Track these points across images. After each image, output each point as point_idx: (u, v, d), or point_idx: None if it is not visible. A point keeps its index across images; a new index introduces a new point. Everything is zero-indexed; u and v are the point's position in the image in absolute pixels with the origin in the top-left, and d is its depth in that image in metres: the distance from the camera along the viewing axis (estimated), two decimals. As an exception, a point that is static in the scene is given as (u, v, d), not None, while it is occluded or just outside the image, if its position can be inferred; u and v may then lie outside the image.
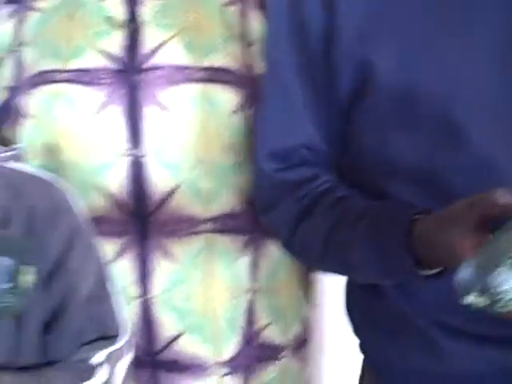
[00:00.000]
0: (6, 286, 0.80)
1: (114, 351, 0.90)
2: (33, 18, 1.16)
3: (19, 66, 1.15)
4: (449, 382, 0.95)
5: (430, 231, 0.81)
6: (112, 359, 0.90)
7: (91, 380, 0.87)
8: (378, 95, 0.93)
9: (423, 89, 0.90)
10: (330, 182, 0.99)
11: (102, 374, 0.89)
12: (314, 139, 0.99)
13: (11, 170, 0.92)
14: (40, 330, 0.88)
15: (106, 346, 0.89)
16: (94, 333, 0.89)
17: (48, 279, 0.88)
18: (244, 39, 1.16)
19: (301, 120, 0.99)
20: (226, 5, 1.16)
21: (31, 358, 0.87)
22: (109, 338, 0.90)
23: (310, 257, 1.02)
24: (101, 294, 0.93)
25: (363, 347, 1.05)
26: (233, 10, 1.17)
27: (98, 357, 0.89)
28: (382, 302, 0.98)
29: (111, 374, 0.90)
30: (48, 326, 0.89)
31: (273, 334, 1.16)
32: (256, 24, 1.16)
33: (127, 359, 0.93)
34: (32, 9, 1.17)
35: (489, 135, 0.89)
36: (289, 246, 1.04)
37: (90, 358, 0.88)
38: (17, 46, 1.16)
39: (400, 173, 0.93)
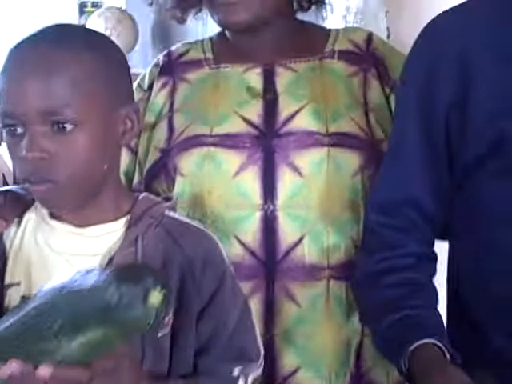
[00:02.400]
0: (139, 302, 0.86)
1: (249, 369, 1.04)
2: (183, 88, 1.32)
3: (171, 130, 1.30)
4: None
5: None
6: (246, 374, 1.03)
7: None
8: (502, 157, 1.02)
9: None
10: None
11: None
12: (423, 197, 1.08)
13: (171, 218, 1.05)
14: (192, 354, 1.02)
15: (246, 363, 1.03)
16: (236, 357, 1.03)
17: (202, 314, 1.01)
18: (365, 107, 1.28)
19: (414, 176, 1.08)
20: (350, 76, 1.30)
21: (183, 371, 1.01)
22: (246, 359, 1.04)
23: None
24: (245, 323, 1.06)
25: None
26: (355, 80, 1.30)
27: (237, 371, 1.02)
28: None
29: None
30: (200, 351, 1.02)
31: (377, 378, 1.26)
32: (375, 92, 1.29)
33: (257, 374, 1.06)
34: (182, 79, 1.32)
35: None
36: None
37: (232, 371, 1.02)
38: (168, 111, 1.30)
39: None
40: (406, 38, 1.37)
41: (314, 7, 1.36)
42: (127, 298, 0.83)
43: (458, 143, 1.05)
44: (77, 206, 1.00)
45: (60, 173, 0.95)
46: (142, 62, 4.01)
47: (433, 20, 1.11)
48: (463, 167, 1.06)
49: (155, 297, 0.84)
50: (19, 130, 0.96)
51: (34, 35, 1.01)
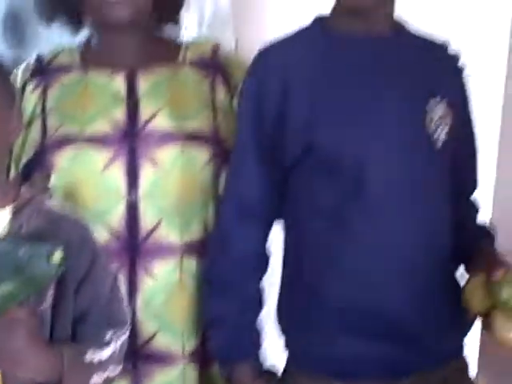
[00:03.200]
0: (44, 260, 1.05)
1: (120, 332, 1.24)
2: (54, 90, 1.45)
3: (44, 130, 1.43)
4: None
5: None
6: (117, 337, 1.23)
7: (104, 349, 1.20)
8: (314, 161, 1.27)
9: (346, 154, 1.26)
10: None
11: (110, 346, 1.21)
12: (263, 194, 1.33)
13: (49, 208, 1.22)
14: (71, 322, 1.19)
15: (117, 328, 1.23)
16: (109, 323, 1.22)
17: (78, 286, 1.19)
18: (212, 108, 1.48)
19: (255, 180, 1.33)
20: (200, 81, 1.49)
21: (63, 338, 1.18)
22: (117, 325, 1.24)
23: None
24: (115, 294, 1.24)
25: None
26: (204, 85, 1.49)
27: (110, 335, 1.22)
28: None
29: (115, 347, 1.23)
30: (78, 320, 1.19)
31: None
32: (221, 95, 1.50)
33: (125, 336, 1.26)
34: (53, 83, 1.46)
35: (383, 183, 1.26)
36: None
37: (106, 335, 1.21)
38: (41, 112, 1.44)
39: (319, 210, 1.29)
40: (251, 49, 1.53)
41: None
42: (36, 257, 1.02)
43: (281, 146, 1.29)
44: None
45: None
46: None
47: (261, 51, 1.34)
48: (285, 166, 1.30)
49: (57, 255, 1.04)
50: None
51: None
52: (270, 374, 1.37)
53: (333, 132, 1.26)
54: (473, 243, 1.38)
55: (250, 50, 1.49)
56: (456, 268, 1.40)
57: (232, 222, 1.34)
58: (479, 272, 1.27)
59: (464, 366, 1.42)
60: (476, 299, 1.25)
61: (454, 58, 1.42)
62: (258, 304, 1.36)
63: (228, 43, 1.94)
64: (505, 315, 1.22)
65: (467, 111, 1.42)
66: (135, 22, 1.43)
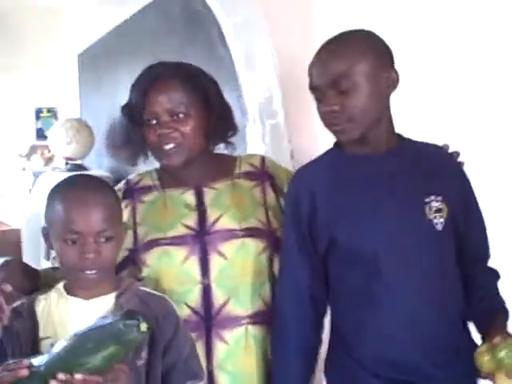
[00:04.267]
0: (135, 329, 1.39)
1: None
2: (140, 207, 1.85)
3: (135, 237, 1.81)
4: None
5: None
6: None
7: None
8: (339, 252, 1.64)
9: (362, 247, 1.61)
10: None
11: None
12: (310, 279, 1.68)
13: (142, 291, 1.63)
14: (160, 377, 1.57)
15: (196, 381, 1.59)
16: (189, 376, 1.59)
17: (165, 350, 1.57)
18: (265, 208, 1.85)
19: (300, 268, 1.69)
20: (253, 188, 1.87)
21: None
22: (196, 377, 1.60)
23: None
24: (193, 356, 1.62)
25: None
26: (257, 190, 1.87)
27: None
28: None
29: None
30: (165, 374, 1.57)
31: None
32: (271, 197, 1.86)
33: None
34: (140, 201, 1.86)
35: (396, 265, 1.59)
36: None
37: None
38: (132, 224, 1.82)
39: (348, 289, 1.64)
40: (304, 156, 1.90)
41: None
42: (129, 327, 1.40)
43: (314, 243, 1.66)
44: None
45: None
46: (96, 165, 4.51)
47: (295, 174, 1.74)
48: (320, 256, 1.67)
49: (143, 326, 1.41)
50: None
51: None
52: None
53: (347, 230, 1.62)
54: (487, 310, 1.64)
55: (303, 159, 1.87)
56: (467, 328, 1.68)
57: (287, 304, 1.70)
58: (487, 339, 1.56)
59: None
60: (484, 361, 1.50)
61: (452, 158, 1.74)
62: (303, 372, 1.70)
63: (285, 154, 2.35)
64: (503, 374, 1.47)
65: (468, 198, 1.71)
66: (191, 160, 1.79)
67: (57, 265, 1.65)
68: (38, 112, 5.90)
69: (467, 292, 1.69)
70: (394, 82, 1.62)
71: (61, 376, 1.39)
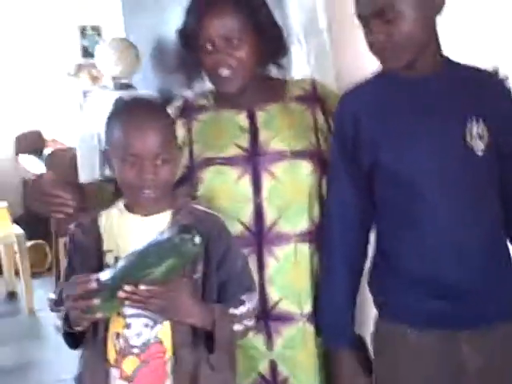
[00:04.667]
0: (190, 242, 1.50)
1: (251, 295, 1.70)
2: (196, 125, 1.93)
3: (191, 154, 1.90)
4: None
5: None
6: (249, 300, 1.69)
7: (241, 307, 1.65)
8: (381, 174, 1.70)
9: (403, 169, 1.66)
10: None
11: (245, 306, 1.66)
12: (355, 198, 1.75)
13: (197, 209, 1.72)
14: (216, 290, 1.66)
15: (248, 293, 1.69)
16: (242, 288, 1.69)
17: (219, 265, 1.66)
18: (315, 130, 1.91)
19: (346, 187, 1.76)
20: (304, 111, 1.92)
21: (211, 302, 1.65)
22: (248, 290, 1.69)
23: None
24: (246, 270, 1.72)
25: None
26: (307, 114, 1.93)
27: (244, 297, 1.67)
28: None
29: (249, 307, 1.68)
30: (221, 287, 1.67)
31: None
32: (321, 120, 1.92)
33: (256, 300, 1.72)
34: (196, 120, 1.94)
35: (435, 188, 1.65)
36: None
37: (242, 297, 1.67)
38: (188, 142, 1.91)
39: (390, 210, 1.72)
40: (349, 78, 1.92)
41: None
42: (184, 241, 1.50)
43: (359, 164, 1.73)
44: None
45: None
46: (144, 85, 4.56)
47: (342, 97, 1.78)
48: (364, 176, 1.73)
49: (198, 239, 1.51)
50: None
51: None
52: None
53: (389, 152, 1.67)
54: None
55: (348, 79, 1.92)
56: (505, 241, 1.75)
57: (335, 221, 1.78)
58: None
59: None
60: None
61: (500, 83, 1.76)
62: (350, 284, 1.79)
63: (330, 75, 2.39)
64: None
65: None
66: (245, 87, 1.85)
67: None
68: (83, 30, 5.93)
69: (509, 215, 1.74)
70: (439, 5, 1.63)
71: (127, 287, 1.50)
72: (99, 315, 1.57)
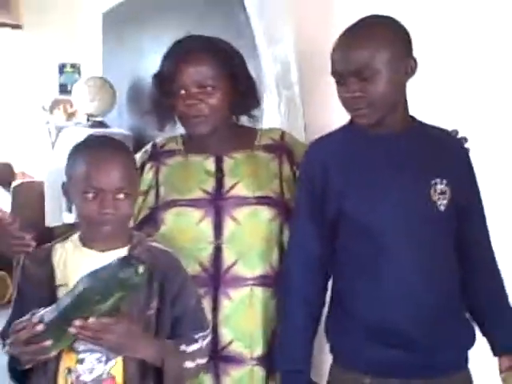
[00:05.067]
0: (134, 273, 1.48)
1: (204, 334, 1.70)
2: (164, 169, 1.97)
3: (157, 196, 1.93)
4: None
5: None
6: (202, 338, 1.69)
7: (193, 345, 1.66)
8: (347, 223, 1.73)
9: (368, 221, 1.69)
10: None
11: (197, 344, 1.67)
12: (318, 246, 1.75)
13: (154, 246, 1.72)
14: (169, 328, 1.67)
15: (201, 332, 1.69)
16: (195, 327, 1.69)
17: (173, 302, 1.65)
18: (280, 179, 1.95)
19: (309, 234, 1.76)
20: (270, 160, 1.97)
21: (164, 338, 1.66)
22: (201, 328, 1.70)
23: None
24: (200, 308, 1.73)
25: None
26: (274, 163, 1.97)
27: (196, 336, 1.68)
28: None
29: (201, 345, 1.68)
30: (174, 325, 1.66)
31: None
32: (286, 170, 1.96)
33: (209, 339, 1.72)
34: (164, 164, 1.98)
35: (399, 243, 1.68)
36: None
37: (195, 335, 1.67)
38: (155, 185, 1.94)
39: (351, 257, 1.73)
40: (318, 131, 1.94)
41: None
42: (129, 273, 1.49)
43: (324, 212, 1.74)
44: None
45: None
46: (117, 122, 4.61)
47: (310, 147, 1.81)
48: (329, 225, 1.76)
49: (141, 269, 1.50)
50: None
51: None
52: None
53: (356, 203, 1.70)
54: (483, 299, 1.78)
55: (317, 131, 1.95)
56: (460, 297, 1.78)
57: (296, 268, 1.77)
58: None
59: (468, 379, 1.77)
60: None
61: (459, 144, 1.83)
62: (309, 328, 1.79)
63: (299, 126, 2.44)
64: None
65: (471, 185, 1.79)
66: (215, 130, 1.90)
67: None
68: (62, 67, 5.98)
69: (465, 275, 1.78)
70: (412, 69, 1.70)
71: (77, 322, 1.50)
72: (54, 353, 1.57)
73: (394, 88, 1.68)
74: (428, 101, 2.06)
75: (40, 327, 1.52)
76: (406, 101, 1.75)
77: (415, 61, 1.70)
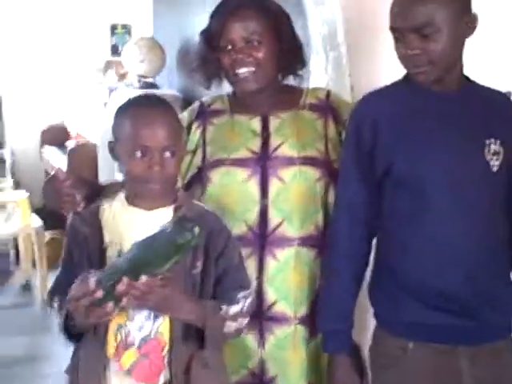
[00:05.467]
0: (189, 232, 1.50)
1: (246, 294, 1.71)
2: (210, 129, 1.99)
3: (204, 155, 1.96)
4: None
5: None
6: (244, 298, 1.70)
7: (235, 305, 1.67)
8: (394, 178, 1.70)
9: (417, 176, 1.67)
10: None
11: (239, 304, 1.68)
12: (365, 202, 1.75)
13: (198, 205, 1.75)
14: (212, 284, 1.68)
15: (243, 291, 1.71)
16: (237, 286, 1.71)
17: (216, 260, 1.67)
18: (325, 140, 1.95)
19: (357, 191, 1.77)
20: (315, 120, 1.97)
21: (207, 297, 1.68)
22: (243, 288, 1.72)
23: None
24: (242, 267, 1.74)
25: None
26: (319, 122, 1.97)
27: (238, 296, 1.69)
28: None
29: (243, 305, 1.69)
30: (217, 283, 1.68)
31: None
32: (332, 130, 1.96)
33: (251, 298, 1.73)
34: (210, 123, 2.00)
35: (446, 200, 1.67)
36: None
37: (238, 294, 1.69)
38: (202, 144, 1.97)
39: (396, 213, 1.72)
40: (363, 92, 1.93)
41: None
42: (185, 235, 1.50)
43: (372, 171, 1.73)
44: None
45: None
46: (167, 83, 4.63)
47: (359, 102, 1.79)
48: (376, 180, 1.74)
49: (197, 230, 1.51)
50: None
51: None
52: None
53: (405, 158, 1.68)
54: None
55: (363, 91, 1.92)
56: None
57: (343, 229, 1.78)
58: None
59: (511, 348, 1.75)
60: None
61: None
62: (353, 289, 1.80)
63: (346, 86, 2.43)
64: None
65: None
66: (263, 88, 1.91)
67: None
68: (113, 28, 6.02)
69: None
70: (472, 26, 1.67)
71: (126, 280, 1.50)
72: (115, 315, 1.57)
73: (454, 45, 1.66)
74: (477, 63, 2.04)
75: (99, 293, 1.51)
76: (462, 59, 1.73)
77: (475, 16, 1.67)
